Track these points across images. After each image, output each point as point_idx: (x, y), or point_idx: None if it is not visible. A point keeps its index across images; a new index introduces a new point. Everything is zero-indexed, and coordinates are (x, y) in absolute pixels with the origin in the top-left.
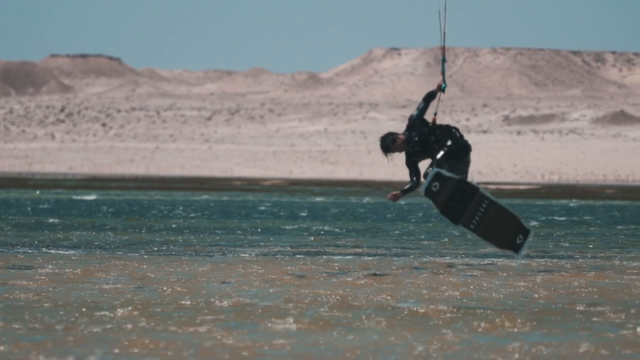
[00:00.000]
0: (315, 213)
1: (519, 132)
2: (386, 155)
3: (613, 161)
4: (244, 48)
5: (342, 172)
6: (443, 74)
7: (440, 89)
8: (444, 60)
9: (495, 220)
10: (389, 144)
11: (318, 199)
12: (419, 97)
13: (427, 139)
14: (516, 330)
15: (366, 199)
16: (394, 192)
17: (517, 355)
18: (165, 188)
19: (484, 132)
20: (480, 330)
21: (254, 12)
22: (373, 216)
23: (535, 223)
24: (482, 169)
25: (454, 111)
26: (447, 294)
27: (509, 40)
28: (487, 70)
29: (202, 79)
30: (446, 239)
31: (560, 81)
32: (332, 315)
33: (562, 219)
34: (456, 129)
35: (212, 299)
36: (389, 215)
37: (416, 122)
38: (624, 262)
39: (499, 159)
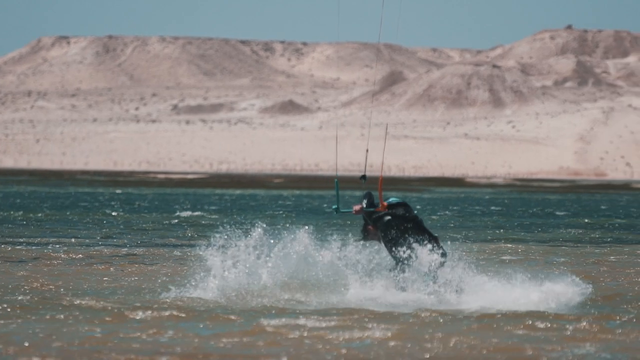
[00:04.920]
0: None
1: (187, 122)
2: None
3: (281, 150)
4: None
5: (9, 161)
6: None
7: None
8: (364, 178)
9: None
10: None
11: None
12: (88, 86)
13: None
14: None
15: (30, 188)
16: None
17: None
18: None
19: (153, 121)
20: (128, 319)
21: None
22: (37, 205)
23: (190, 212)
24: (150, 158)
25: (123, 100)
26: (93, 284)
27: (178, 29)
28: (156, 59)
29: None
30: (100, 230)
31: (229, 71)
32: None
33: (218, 207)
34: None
35: None
36: (46, 205)
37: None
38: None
39: (168, 149)
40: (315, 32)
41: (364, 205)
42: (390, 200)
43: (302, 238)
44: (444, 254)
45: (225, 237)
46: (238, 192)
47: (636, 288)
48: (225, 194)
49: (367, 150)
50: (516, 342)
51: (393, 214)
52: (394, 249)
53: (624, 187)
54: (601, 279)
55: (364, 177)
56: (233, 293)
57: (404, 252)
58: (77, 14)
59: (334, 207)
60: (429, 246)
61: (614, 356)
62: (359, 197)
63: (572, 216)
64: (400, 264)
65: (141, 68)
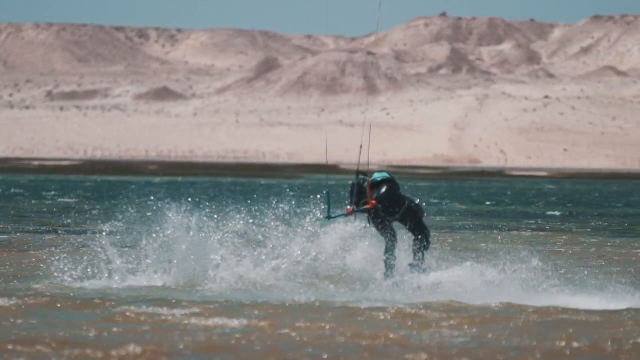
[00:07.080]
0: None
1: (61, 108)
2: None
3: (155, 137)
4: None
5: None
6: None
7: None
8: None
9: None
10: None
11: None
12: None
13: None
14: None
15: None
16: None
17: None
18: None
19: (27, 107)
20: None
21: None
22: None
23: (64, 199)
24: (24, 145)
25: None
26: None
27: (52, 15)
28: (30, 45)
29: None
30: None
31: (103, 57)
32: None
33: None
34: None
35: None
36: None
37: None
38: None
39: (42, 135)
40: (189, 18)
41: (354, 198)
42: (375, 176)
43: (174, 217)
44: (427, 240)
45: (103, 222)
46: (112, 178)
47: None
48: (99, 180)
49: (360, 146)
50: (380, 329)
51: (380, 208)
52: (383, 236)
53: (498, 173)
54: None
55: (357, 174)
56: (103, 280)
57: (392, 238)
58: None
59: (325, 216)
60: (416, 235)
61: (491, 342)
62: (350, 188)
63: (443, 203)
64: (388, 248)
65: (15, 54)
